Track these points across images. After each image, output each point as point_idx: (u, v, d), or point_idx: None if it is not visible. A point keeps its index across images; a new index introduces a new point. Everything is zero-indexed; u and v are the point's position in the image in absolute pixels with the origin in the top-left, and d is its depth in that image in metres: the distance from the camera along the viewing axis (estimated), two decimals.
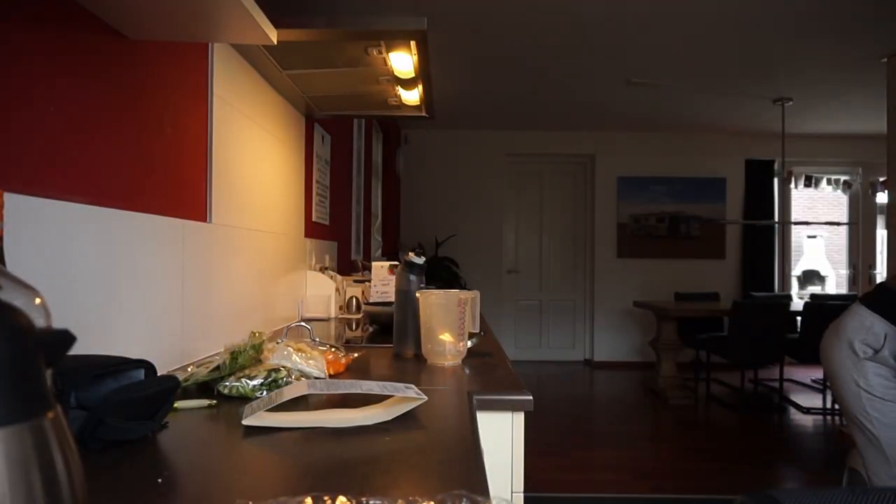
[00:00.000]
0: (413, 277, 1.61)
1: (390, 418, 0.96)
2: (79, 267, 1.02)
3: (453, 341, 1.46)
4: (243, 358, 1.14)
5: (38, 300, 0.41)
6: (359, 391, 0.97)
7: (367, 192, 4.73)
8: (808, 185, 7.13)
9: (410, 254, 1.66)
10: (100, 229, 1.09)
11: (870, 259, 7.18)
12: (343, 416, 0.96)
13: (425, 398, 1.01)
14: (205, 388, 1.11)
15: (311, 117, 2.62)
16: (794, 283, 7.40)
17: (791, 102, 5.36)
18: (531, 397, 1.17)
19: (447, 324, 1.46)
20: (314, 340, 1.40)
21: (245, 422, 0.92)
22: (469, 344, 1.53)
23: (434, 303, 1.47)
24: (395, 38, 1.67)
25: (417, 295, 1.52)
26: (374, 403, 1.01)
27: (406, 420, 0.99)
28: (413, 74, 1.91)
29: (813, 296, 6.55)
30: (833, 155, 7.01)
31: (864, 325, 2.01)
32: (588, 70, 4.67)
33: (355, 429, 0.96)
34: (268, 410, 0.94)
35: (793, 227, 7.27)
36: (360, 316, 2.57)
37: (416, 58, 1.77)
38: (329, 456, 0.82)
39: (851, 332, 2.03)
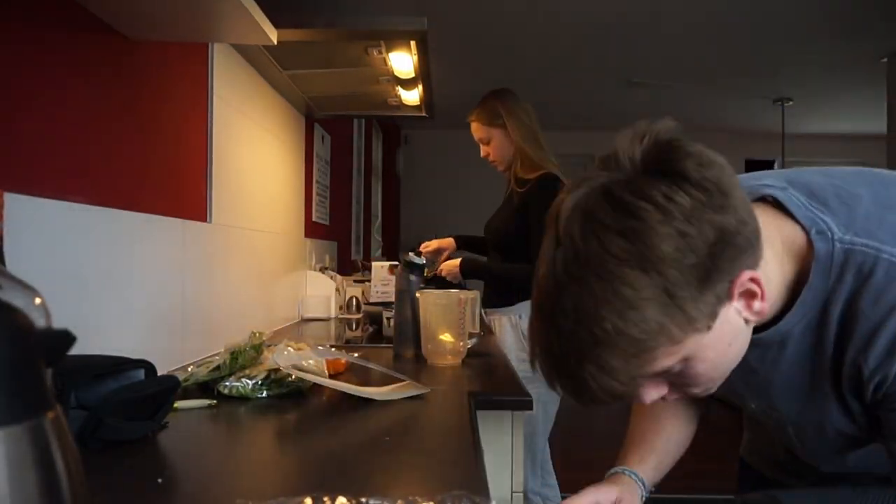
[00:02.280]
0: (413, 277, 1.61)
1: (398, 397, 1.08)
2: (79, 267, 1.02)
3: (453, 341, 1.46)
4: (243, 358, 1.14)
5: (38, 300, 0.41)
6: (374, 367, 1.19)
7: (367, 192, 4.74)
8: None
9: (410, 254, 1.66)
10: (100, 229, 1.09)
11: None
12: (357, 388, 1.07)
13: (429, 389, 1.11)
14: (205, 388, 1.11)
15: (311, 117, 2.62)
16: None
17: (791, 102, 5.36)
18: (531, 397, 1.17)
19: (447, 324, 1.46)
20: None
21: (281, 364, 1.06)
22: (469, 344, 1.53)
23: (434, 303, 1.46)
24: (395, 38, 1.66)
25: (417, 295, 1.52)
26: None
27: (406, 420, 0.99)
28: (413, 74, 1.91)
29: None
30: (833, 155, 7.00)
31: None
32: (588, 70, 4.67)
33: (355, 428, 0.96)
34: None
35: None
36: (360, 316, 2.57)
37: (416, 58, 1.77)
38: (329, 456, 0.82)
39: None
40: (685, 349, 0.60)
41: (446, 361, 1.46)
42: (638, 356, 0.59)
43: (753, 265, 0.61)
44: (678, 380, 0.65)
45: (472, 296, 1.51)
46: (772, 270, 0.66)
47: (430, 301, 1.47)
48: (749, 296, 0.62)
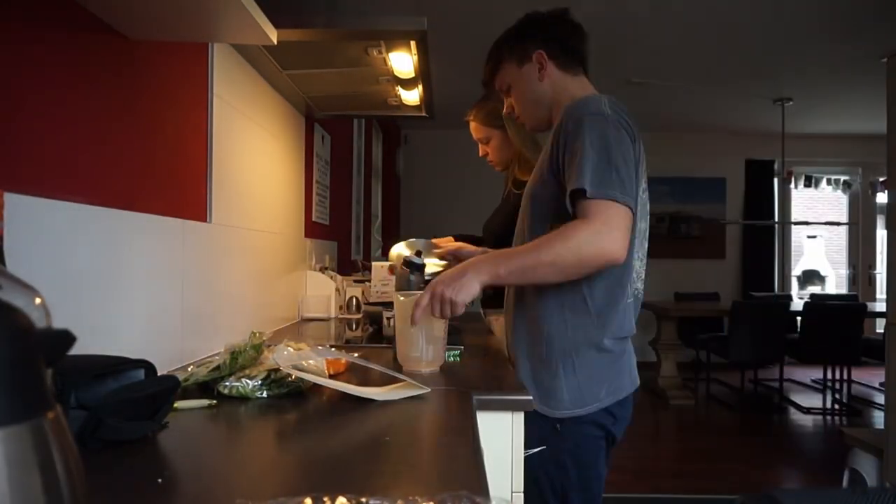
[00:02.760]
0: (413, 277, 1.60)
1: (398, 398, 1.07)
2: (79, 267, 1.02)
3: (428, 346, 1.32)
4: (243, 358, 1.14)
5: (38, 300, 0.41)
6: (374, 367, 1.19)
7: (367, 192, 4.73)
8: (808, 185, 7.13)
9: (410, 254, 1.66)
10: (100, 229, 1.09)
11: (870, 259, 7.18)
12: (357, 388, 1.08)
13: (429, 389, 1.11)
14: (205, 388, 1.11)
15: (311, 117, 2.62)
16: (794, 283, 7.40)
17: (791, 102, 5.36)
18: (531, 397, 1.17)
19: (421, 327, 1.28)
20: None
21: (281, 364, 1.07)
22: (448, 357, 1.43)
23: (408, 305, 1.29)
24: (395, 38, 1.66)
25: (394, 296, 1.38)
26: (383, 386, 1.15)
27: (406, 420, 0.99)
28: (413, 74, 1.91)
29: (813, 296, 6.55)
30: (833, 155, 7.01)
31: None
32: (588, 70, 4.66)
33: (355, 428, 0.96)
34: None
35: (793, 227, 7.27)
36: (360, 316, 2.57)
37: (416, 58, 1.77)
38: (329, 455, 0.82)
39: None
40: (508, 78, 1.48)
41: (422, 368, 1.32)
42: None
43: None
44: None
45: None
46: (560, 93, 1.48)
47: (404, 304, 1.31)
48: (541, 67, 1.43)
